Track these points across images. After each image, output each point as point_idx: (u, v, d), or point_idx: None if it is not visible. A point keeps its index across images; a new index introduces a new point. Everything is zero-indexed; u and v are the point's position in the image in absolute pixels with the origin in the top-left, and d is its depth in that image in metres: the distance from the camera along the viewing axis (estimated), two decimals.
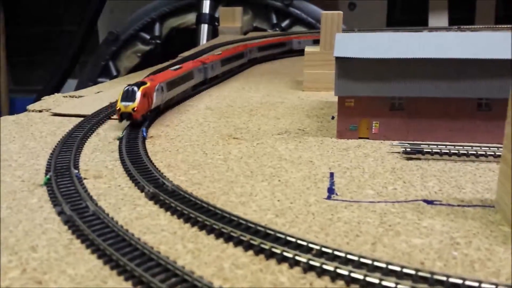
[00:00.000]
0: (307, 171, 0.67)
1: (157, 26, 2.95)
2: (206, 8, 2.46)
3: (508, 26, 2.28)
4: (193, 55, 1.87)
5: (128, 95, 0.83)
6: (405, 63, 0.77)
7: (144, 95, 0.84)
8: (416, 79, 0.77)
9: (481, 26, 2.33)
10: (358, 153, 0.74)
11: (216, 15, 2.48)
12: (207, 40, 2.42)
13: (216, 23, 2.43)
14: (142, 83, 0.87)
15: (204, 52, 1.89)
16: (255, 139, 0.82)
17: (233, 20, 2.33)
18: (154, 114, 0.93)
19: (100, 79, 2.75)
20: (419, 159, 0.71)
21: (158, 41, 2.92)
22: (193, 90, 1.18)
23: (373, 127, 0.80)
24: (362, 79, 0.79)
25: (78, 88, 2.29)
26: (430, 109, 0.78)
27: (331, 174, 0.65)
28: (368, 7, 2.93)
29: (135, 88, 0.84)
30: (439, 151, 0.70)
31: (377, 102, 0.79)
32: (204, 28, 2.44)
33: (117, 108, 0.83)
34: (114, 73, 2.87)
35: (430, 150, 0.70)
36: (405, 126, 0.79)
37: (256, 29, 2.88)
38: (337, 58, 0.78)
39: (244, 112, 1.01)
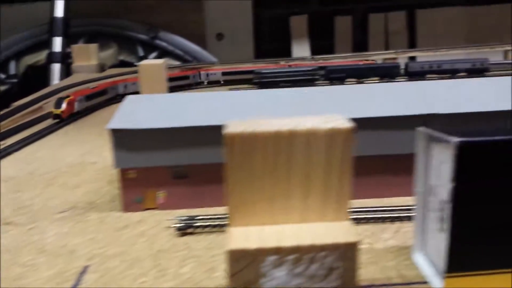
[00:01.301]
0: (61, 267, 0.60)
1: (12, 64, 2.74)
2: (56, 46, 2.32)
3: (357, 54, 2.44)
4: (33, 101, 1.74)
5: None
6: (187, 131, 0.74)
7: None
8: (201, 146, 0.75)
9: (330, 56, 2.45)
10: (134, 232, 0.70)
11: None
12: (61, 79, 2.28)
13: (69, 61, 2.31)
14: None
15: (53, 93, 1.77)
16: (30, 223, 0.74)
17: (88, 58, 2.22)
18: None
19: None
20: (193, 233, 0.68)
21: (14, 80, 2.71)
22: None
23: (159, 197, 0.77)
24: (141, 149, 0.75)
25: None
26: (214, 175, 0.77)
27: (84, 269, 0.60)
28: (236, 38, 2.98)
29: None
30: (210, 224, 0.68)
31: (160, 171, 0.76)
32: (55, 67, 2.30)
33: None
34: None
35: (201, 224, 0.68)
36: (191, 194, 0.77)
37: (122, 63, 2.80)
38: (112, 130, 0.74)
39: (42, 181, 0.93)
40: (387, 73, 1.95)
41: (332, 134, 0.39)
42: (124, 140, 0.74)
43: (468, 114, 0.72)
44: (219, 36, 2.95)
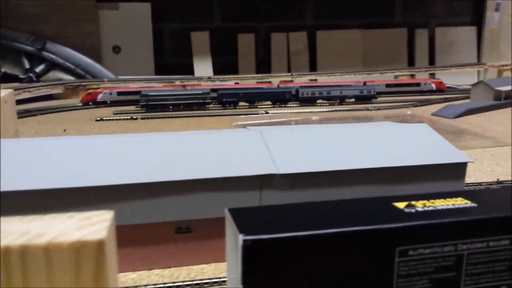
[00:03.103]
0: None
1: None
2: None
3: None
4: None
5: None
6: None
7: None
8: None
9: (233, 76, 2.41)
10: None
11: None
12: None
13: None
14: None
15: None
16: None
17: None
18: None
19: None
20: None
21: None
22: None
23: None
24: None
25: None
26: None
27: None
28: (134, 51, 2.83)
29: None
30: None
31: None
32: None
33: None
34: None
35: None
36: None
37: (6, 76, 2.54)
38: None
39: None
40: (279, 98, 1.94)
41: (79, 248, 0.32)
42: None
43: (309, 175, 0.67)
44: (116, 49, 2.79)
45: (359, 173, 0.69)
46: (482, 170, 1.12)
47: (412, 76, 2.70)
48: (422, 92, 2.16)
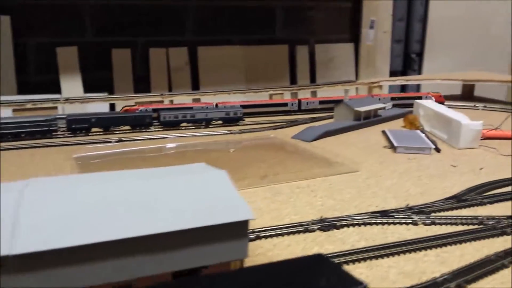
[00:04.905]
0: None
1: None
2: None
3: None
4: None
5: None
6: None
7: None
8: None
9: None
10: None
11: None
12: None
13: None
14: None
15: None
16: None
17: None
18: None
19: None
20: None
21: None
22: None
23: None
24: None
25: None
26: None
27: None
28: None
29: None
30: None
31: None
32: None
33: None
34: None
35: None
36: None
37: None
38: None
39: None
40: (139, 123, 1.82)
41: None
42: None
43: None
44: None
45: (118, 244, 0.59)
46: (313, 204, 1.09)
47: (295, 94, 2.71)
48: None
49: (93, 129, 1.76)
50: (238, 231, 0.66)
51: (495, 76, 2.85)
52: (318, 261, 0.60)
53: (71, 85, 2.67)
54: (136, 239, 0.60)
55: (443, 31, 3.81)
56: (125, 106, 2.00)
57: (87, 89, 2.72)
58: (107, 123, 1.77)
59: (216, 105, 2.00)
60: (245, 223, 0.66)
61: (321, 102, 2.21)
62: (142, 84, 2.90)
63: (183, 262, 0.66)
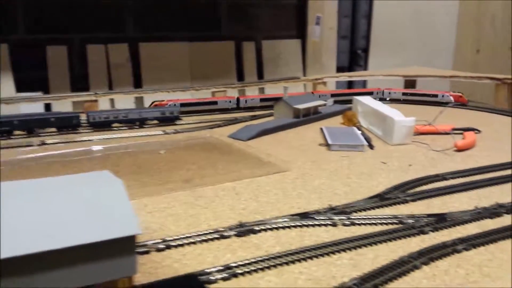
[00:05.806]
0: None
1: None
2: None
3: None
4: None
5: None
6: None
7: None
8: None
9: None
10: None
11: None
12: None
13: None
14: None
15: None
16: None
17: None
18: None
19: None
20: None
21: None
22: None
23: None
24: None
25: None
26: None
27: None
28: None
29: None
30: None
31: None
32: None
33: None
34: None
35: None
36: None
37: None
38: None
39: None
40: (66, 124, 1.72)
41: None
42: None
43: None
44: None
45: None
46: (234, 208, 1.05)
47: (242, 92, 2.67)
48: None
49: (16, 132, 1.66)
50: (125, 247, 0.61)
51: (435, 71, 2.92)
52: (188, 283, 0.57)
53: (3, 84, 2.52)
54: (10, 260, 0.54)
55: (388, 27, 3.88)
56: (155, 101, 1.93)
57: (20, 89, 2.57)
58: (31, 125, 1.66)
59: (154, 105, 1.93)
60: (131, 238, 0.61)
61: (262, 100, 2.18)
62: (80, 83, 2.77)
63: (66, 281, 0.60)
